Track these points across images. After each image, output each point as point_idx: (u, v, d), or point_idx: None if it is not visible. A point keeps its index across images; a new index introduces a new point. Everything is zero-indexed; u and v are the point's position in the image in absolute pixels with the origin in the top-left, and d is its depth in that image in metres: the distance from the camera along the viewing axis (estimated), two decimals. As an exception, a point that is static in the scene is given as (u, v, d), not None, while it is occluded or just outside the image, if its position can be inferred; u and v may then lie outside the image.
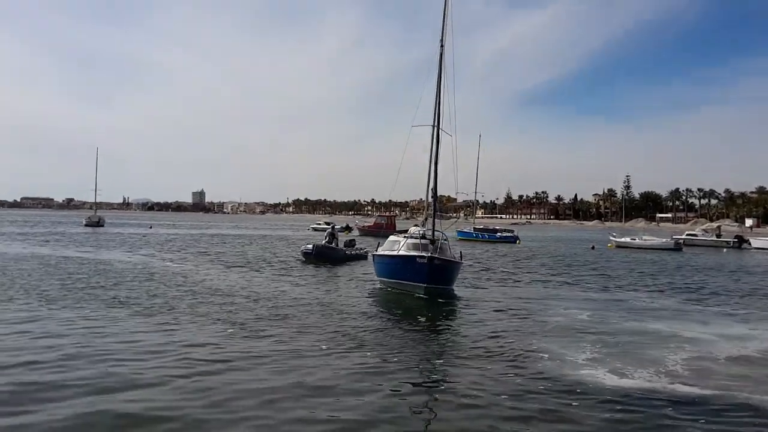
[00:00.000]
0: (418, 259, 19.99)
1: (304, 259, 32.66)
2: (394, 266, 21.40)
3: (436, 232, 22.22)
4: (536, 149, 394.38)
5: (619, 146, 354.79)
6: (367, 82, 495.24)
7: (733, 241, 63.00)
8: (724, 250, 58.74)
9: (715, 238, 66.04)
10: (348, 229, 78.61)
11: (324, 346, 11.95)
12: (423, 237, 21.80)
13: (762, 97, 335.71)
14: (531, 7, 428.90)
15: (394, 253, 21.60)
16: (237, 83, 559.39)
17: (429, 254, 19.88)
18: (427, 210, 25.09)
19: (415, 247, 21.11)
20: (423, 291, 19.63)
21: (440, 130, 22.84)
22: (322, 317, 15.37)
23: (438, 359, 11.38)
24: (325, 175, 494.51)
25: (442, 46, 23.09)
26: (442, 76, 23.05)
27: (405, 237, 22.57)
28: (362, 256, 34.24)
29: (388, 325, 14.78)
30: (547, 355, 11.58)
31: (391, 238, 23.87)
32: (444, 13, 23.04)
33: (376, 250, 23.53)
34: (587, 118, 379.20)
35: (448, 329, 14.70)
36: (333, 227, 38.59)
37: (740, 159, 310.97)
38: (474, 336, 13.57)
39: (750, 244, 62.25)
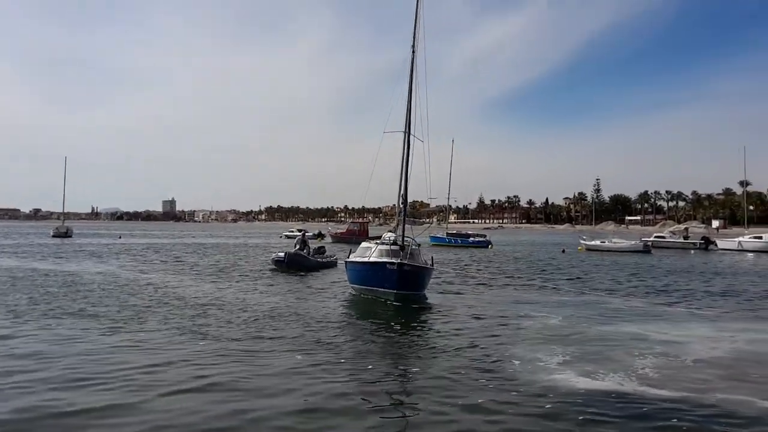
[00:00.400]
0: (388, 266, 20.04)
1: (275, 267, 32.37)
2: (365, 273, 21.44)
3: (406, 238, 22.29)
4: (508, 154, 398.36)
5: (589, 150, 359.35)
6: (340, 88, 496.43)
7: (700, 243, 64.14)
8: (692, 251, 59.79)
9: (683, 240, 67.17)
10: (321, 236, 78.44)
11: (299, 357, 11.89)
12: (393, 243, 21.88)
13: (727, 98, 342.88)
14: (504, 11, 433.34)
15: (366, 259, 21.65)
16: (208, 91, 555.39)
17: (399, 260, 19.96)
18: (398, 216, 25.18)
19: (386, 253, 21.17)
20: (394, 297, 19.68)
21: (412, 136, 22.97)
22: (296, 327, 15.26)
23: (411, 368, 11.36)
24: (298, 182, 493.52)
25: (413, 51, 23.20)
26: (414, 81, 23.18)
27: (376, 243, 22.62)
28: (332, 264, 34.28)
29: (362, 334, 14.74)
30: (519, 361, 11.63)
31: (363, 244, 23.87)
32: (415, 19, 23.17)
33: (348, 257, 23.55)
34: (558, 122, 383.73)
35: (421, 336, 14.67)
36: (304, 234, 38.19)
37: (707, 161, 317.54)
38: (446, 343, 13.58)
39: (716, 245, 63.42)
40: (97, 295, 20.70)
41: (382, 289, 20.22)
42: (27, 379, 10.03)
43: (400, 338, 14.38)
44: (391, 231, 24.90)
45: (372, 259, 21.23)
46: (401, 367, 11.42)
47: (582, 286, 26.60)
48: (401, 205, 23.85)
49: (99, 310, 17.39)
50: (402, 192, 23.40)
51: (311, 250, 34.54)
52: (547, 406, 8.84)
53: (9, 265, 33.22)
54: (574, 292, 24.28)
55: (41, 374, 10.33)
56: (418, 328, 15.87)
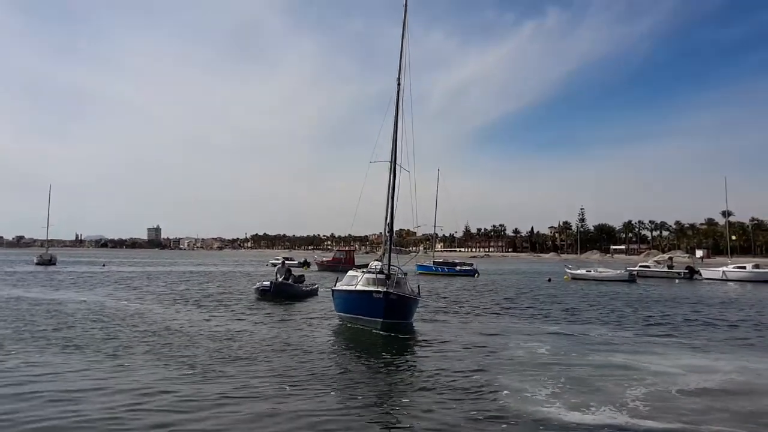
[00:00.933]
0: (374, 294, 20.08)
1: (259, 296, 31.96)
2: (351, 302, 21.48)
3: (392, 267, 22.33)
4: (493, 183, 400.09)
5: (574, 179, 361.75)
6: (325, 117, 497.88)
7: (684, 272, 64.53)
8: (677, 281, 60.10)
9: (667, 270, 67.56)
10: (306, 264, 78.19)
11: (288, 388, 11.80)
12: (380, 272, 21.93)
13: (708, 130, 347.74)
14: (486, 44, 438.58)
15: (352, 288, 21.67)
16: (192, 118, 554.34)
17: (385, 289, 19.97)
18: (384, 245, 25.29)
19: (372, 282, 21.24)
20: (380, 326, 19.67)
21: (398, 167, 23.19)
22: (285, 357, 15.18)
23: (401, 399, 11.28)
24: (285, 211, 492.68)
25: (399, 84, 23.51)
26: (400, 113, 23.44)
27: (363, 272, 22.65)
28: (314, 292, 34.46)
29: (350, 364, 14.69)
30: (507, 392, 11.60)
31: (350, 273, 23.92)
32: (401, 52, 23.57)
33: (335, 285, 23.56)
34: (542, 152, 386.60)
35: (408, 366, 14.60)
36: (284, 262, 37.77)
37: (690, 191, 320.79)
38: (434, 373, 13.51)
39: (701, 274, 63.82)
40: (81, 325, 20.41)
41: (369, 318, 20.21)
42: (7, 419, 9.55)
43: (388, 369, 14.29)
44: (377, 260, 24.95)
45: (358, 288, 21.25)
46: (390, 400, 11.31)
47: (569, 315, 26.60)
48: (387, 234, 23.96)
49: (84, 340, 17.15)
50: (388, 221, 23.52)
51: (294, 279, 34.46)
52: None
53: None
54: (561, 321, 24.27)
55: (23, 415, 9.77)
56: (406, 358, 15.79)
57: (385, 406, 10.86)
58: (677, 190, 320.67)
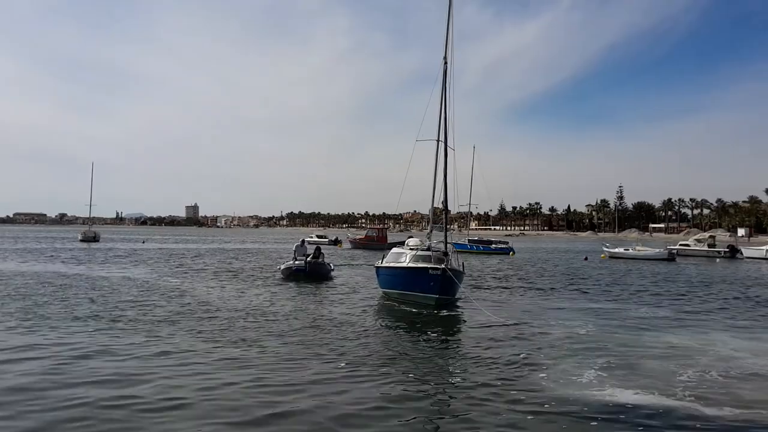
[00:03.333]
0: (431, 271, 20.42)
1: (287, 277, 30.46)
2: (403, 278, 21.80)
3: (444, 244, 22.72)
4: (529, 160, 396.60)
5: (612, 156, 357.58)
6: (358, 93, 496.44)
7: (725, 251, 63.46)
8: (717, 260, 59.19)
9: (708, 248, 66.48)
10: (338, 242, 79.03)
11: (343, 363, 12.07)
12: (429, 249, 22.31)
13: (750, 104, 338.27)
14: (523, 18, 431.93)
15: (404, 264, 21.99)
16: (229, 96, 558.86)
17: (444, 266, 20.36)
18: (432, 223, 25.55)
19: (426, 258, 21.64)
20: (434, 302, 20.04)
21: (444, 146, 23.27)
22: (336, 334, 15.38)
23: (450, 378, 11.33)
24: (319, 188, 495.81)
25: (445, 63, 23.41)
26: (447, 92, 23.42)
27: (411, 249, 22.89)
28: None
29: (397, 341, 14.87)
30: (552, 372, 11.52)
31: (395, 250, 24.21)
32: (447, 30, 23.39)
33: (381, 262, 23.93)
34: (580, 129, 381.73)
35: (453, 345, 14.64)
36: (303, 241, 35.61)
37: (731, 168, 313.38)
38: (475, 351, 13.54)
39: (742, 253, 62.69)
40: (130, 301, 20.89)
41: (423, 294, 20.60)
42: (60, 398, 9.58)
43: (433, 346, 14.32)
44: (411, 237, 25.33)
45: (411, 265, 21.56)
46: (436, 379, 11.28)
47: (608, 294, 26.49)
48: (437, 214, 24.37)
49: (134, 315, 17.59)
50: (442, 199, 23.69)
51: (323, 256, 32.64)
52: (592, 423, 8.68)
53: (41, 270, 33.91)
54: (602, 300, 24.17)
55: (56, 403, 9.50)
56: (451, 335, 15.97)
57: (430, 386, 10.72)
58: (719, 166, 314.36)
